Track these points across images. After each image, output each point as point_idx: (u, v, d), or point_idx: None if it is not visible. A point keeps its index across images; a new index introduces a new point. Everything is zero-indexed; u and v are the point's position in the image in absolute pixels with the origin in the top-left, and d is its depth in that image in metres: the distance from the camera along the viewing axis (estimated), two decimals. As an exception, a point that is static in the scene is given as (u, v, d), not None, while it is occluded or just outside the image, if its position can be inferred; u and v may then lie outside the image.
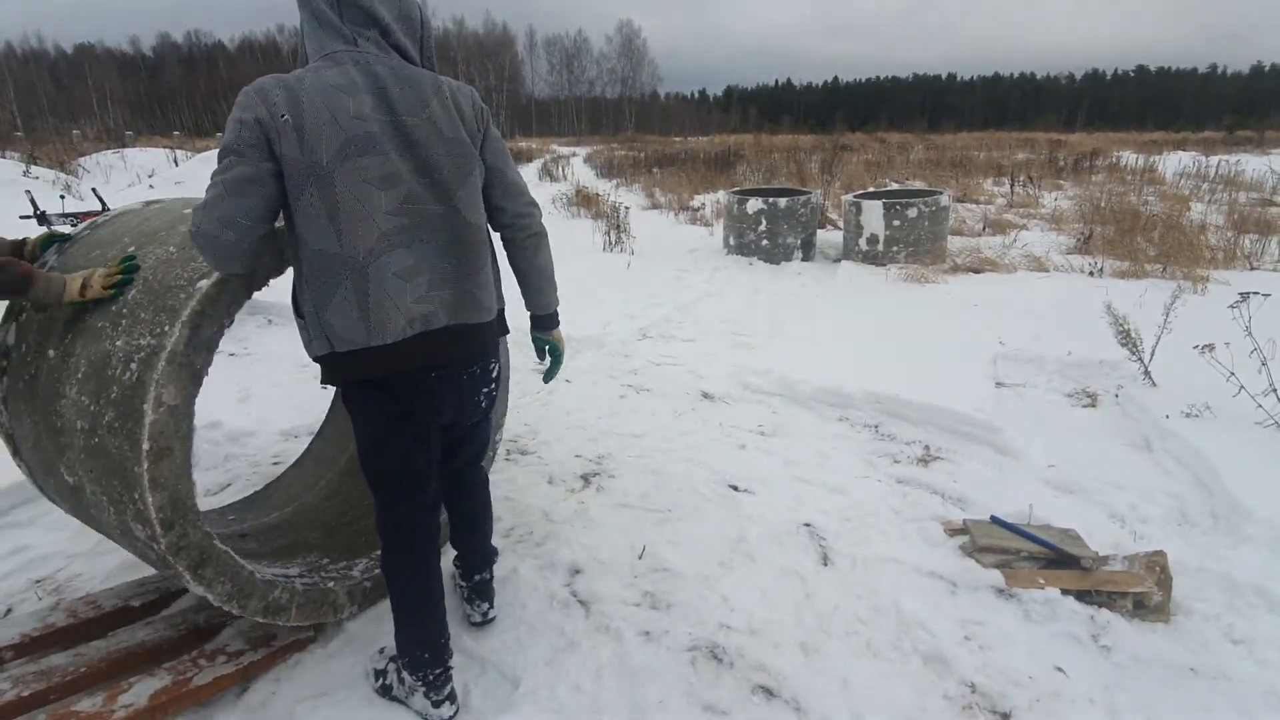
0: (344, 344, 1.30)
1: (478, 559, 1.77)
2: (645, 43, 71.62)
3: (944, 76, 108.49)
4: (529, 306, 1.65)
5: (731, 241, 7.06)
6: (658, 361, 3.80)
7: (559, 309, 1.68)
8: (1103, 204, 9.03)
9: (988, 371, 3.39)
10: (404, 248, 1.29)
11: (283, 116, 1.19)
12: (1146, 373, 3.09)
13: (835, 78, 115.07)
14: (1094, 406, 3.15)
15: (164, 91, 59.96)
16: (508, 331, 1.59)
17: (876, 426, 2.93)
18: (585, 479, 2.56)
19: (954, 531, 2.11)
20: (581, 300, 4.70)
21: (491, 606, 1.79)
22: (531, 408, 3.18)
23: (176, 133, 37.14)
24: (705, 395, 3.32)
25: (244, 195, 1.21)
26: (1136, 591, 1.76)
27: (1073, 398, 3.24)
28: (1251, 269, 5.97)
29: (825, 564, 2.05)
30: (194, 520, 1.42)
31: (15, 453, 1.72)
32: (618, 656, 1.68)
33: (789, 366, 3.38)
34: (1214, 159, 15.74)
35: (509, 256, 1.56)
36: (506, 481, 2.52)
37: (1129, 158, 17.91)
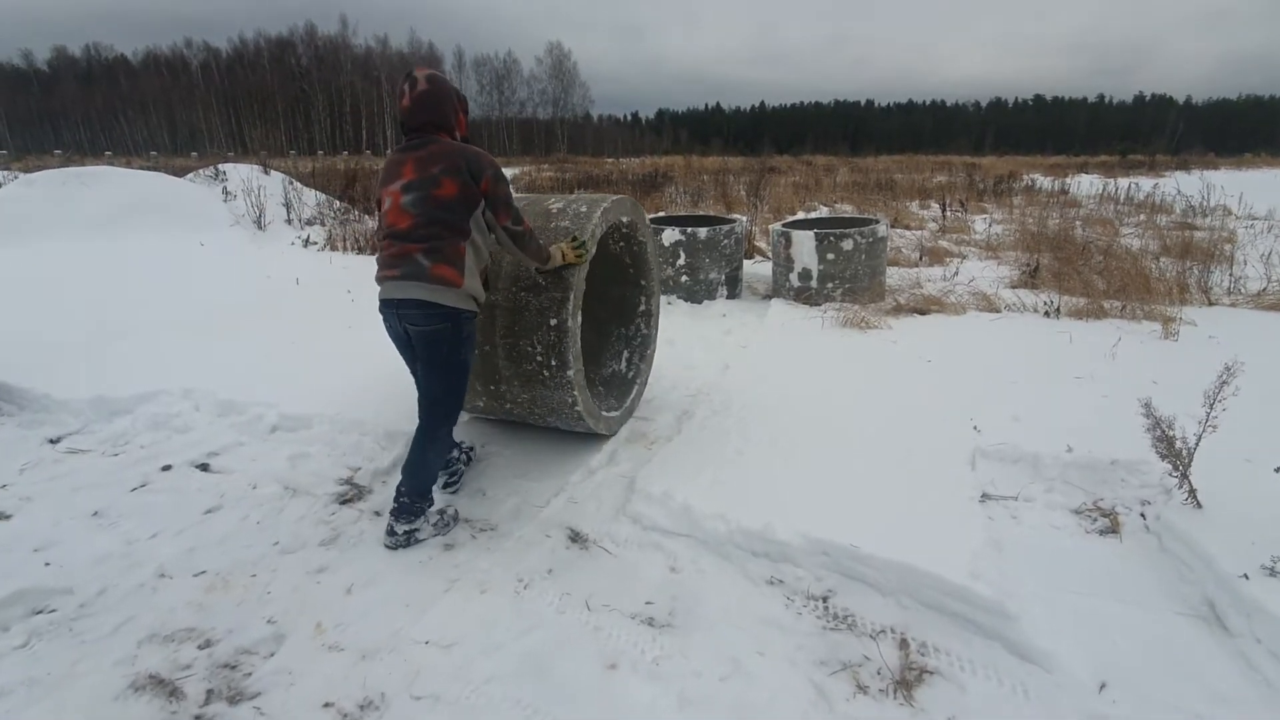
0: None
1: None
2: (576, 65, 71.37)
3: (863, 103, 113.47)
4: None
5: (646, 278, 6.06)
6: (520, 470, 2.68)
7: None
8: (1035, 229, 8.63)
9: (968, 480, 2.45)
10: None
11: None
12: (1189, 490, 2.21)
13: (762, 102, 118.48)
14: (1115, 533, 2.25)
15: (57, 107, 54.79)
16: None
17: (825, 600, 1.90)
18: (319, 771, 1.41)
19: None
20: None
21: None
22: (282, 591, 1.99)
23: (59, 151, 33.55)
24: (575, 537, 2.23)
25: None
26: None
27: (1084, 518, 2.34)
28: (1210, 304, 5.44)
29: None
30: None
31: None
32: None
33: (699, 487, 2.34)
34: (1124, 182, 16.18)
35: None
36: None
37: (1042, 181, 18.31)
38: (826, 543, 1.98)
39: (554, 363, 2.45)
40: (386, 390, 3.30)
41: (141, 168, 15.29)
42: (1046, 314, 5.02)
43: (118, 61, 65.96)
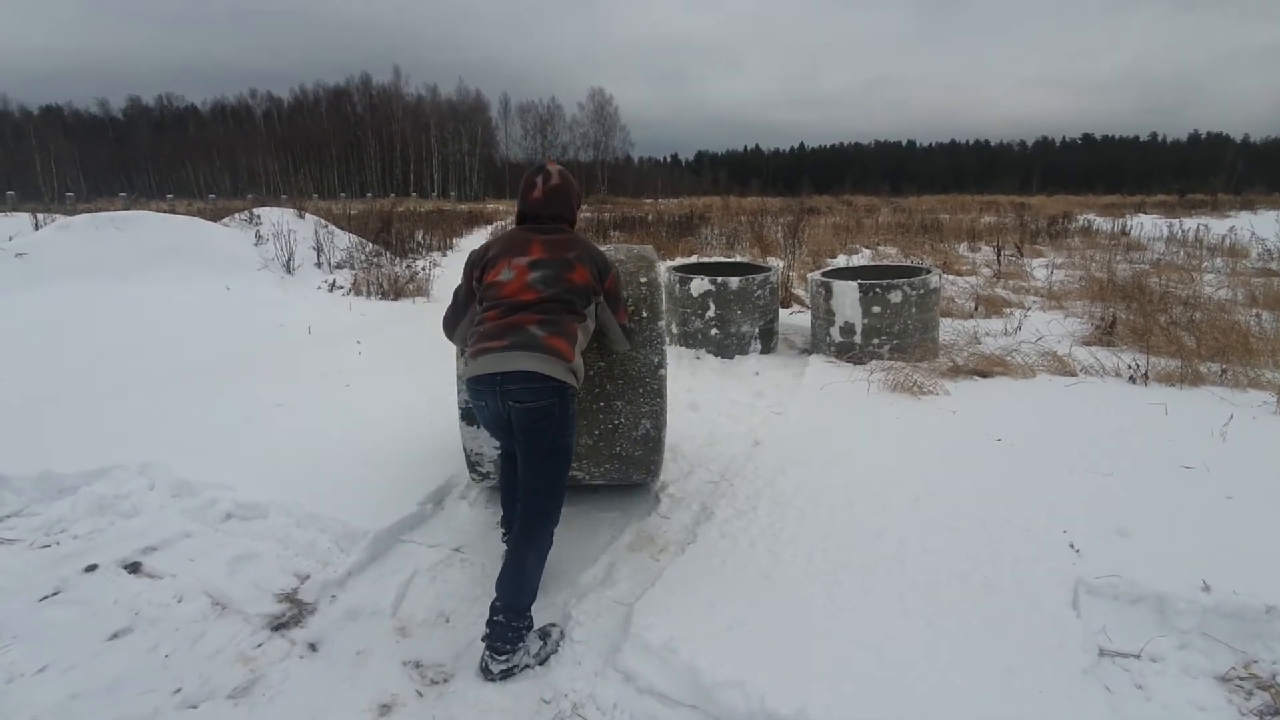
0: None
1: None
2: (617, 110, 73.10)
3: (904, 143, 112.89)
4: None
5: (674, 330, 5.61)
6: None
7: None
8: (1102, 275, 7.90)
9: (1074, 630, 1.85)
10: None
11: None
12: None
13: (801, 144, 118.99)
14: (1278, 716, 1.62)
15: (130, 154, 58.59)
16: None
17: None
18: None
19: None
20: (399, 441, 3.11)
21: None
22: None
23: (124, 195, 35.54)
24: (550, 699, 1.72)
25: None
26: None
27: (1234, 690, 1.72)
28: (1321, 368, 4.66)
29: None
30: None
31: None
32: None
33: (711, 633, 1.81)
34: (1190, 222, 15.16)
35: None
36: None
37: (1098, 221, 17.34)
38: (888, 745, 1.42)
39: (644, 314, 2.45)
40: (360, 474, 2.88)
41: (200, 209, 15.83)
42: (1132, 379, 4.35)
43: (188, 111, 70.49)
